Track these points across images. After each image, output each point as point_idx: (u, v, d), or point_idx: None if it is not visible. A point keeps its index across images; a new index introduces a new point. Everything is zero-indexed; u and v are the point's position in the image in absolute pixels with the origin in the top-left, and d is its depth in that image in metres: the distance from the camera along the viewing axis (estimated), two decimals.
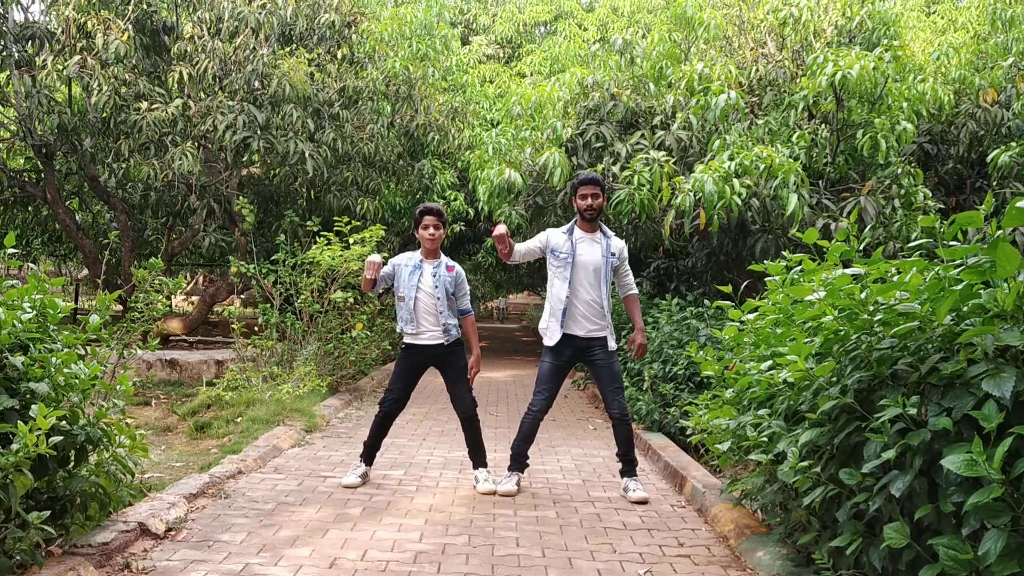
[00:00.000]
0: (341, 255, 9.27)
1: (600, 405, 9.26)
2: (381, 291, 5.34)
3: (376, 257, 5.14)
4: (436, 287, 5.20)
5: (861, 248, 3.53)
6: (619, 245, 5.29)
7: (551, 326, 5.21)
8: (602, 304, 5.15)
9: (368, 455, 5.40)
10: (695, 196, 7.35)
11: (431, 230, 5.20)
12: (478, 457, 5.40)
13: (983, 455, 2.35)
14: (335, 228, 9.44)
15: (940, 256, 2.94)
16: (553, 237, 5.23)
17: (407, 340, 5.29)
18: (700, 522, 4.70)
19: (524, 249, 5.29)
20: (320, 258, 9.15)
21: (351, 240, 9.44)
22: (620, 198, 8.07)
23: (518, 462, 5.33)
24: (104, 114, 10.13)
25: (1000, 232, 2.63)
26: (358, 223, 9.94)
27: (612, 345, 5.20)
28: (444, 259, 5.33)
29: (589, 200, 5.14)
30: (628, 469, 5.29)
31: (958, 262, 2.89)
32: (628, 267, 5.37)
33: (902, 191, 7.94)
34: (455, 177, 14.88)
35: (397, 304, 5.29)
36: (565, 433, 7.59)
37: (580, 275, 5.13)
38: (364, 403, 9.07)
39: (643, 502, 5.08)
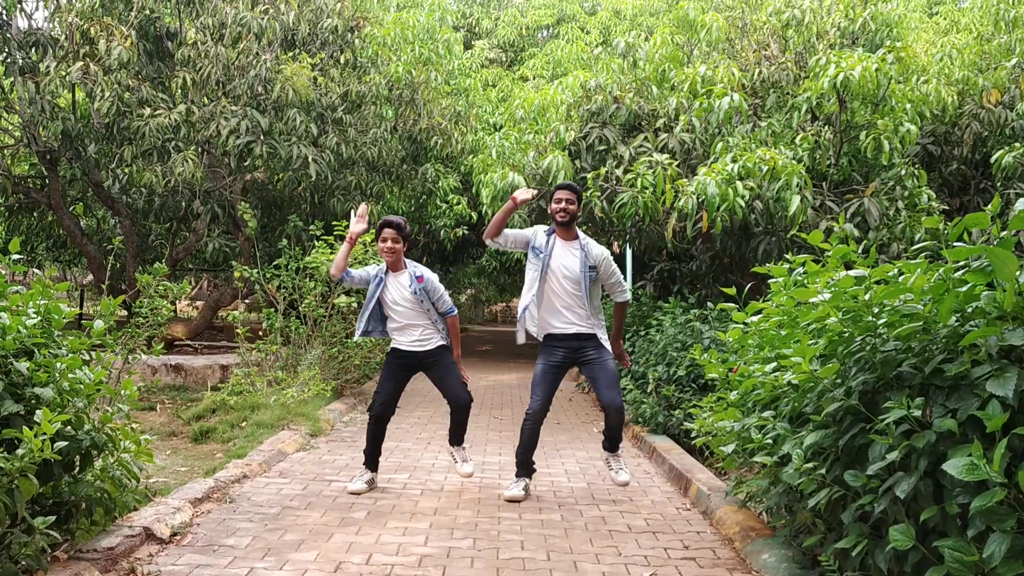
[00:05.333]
0: None
1: None
2: (346, 283, 5.38)
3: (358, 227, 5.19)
4: (416, 295, 5.22)
5: (861, 249, 3.52)
6: (598, 254, 5.19)
7: (520, 320, 5.24)
8: (580, 309, 5.12)
9: (371, 462, 5.39)
10: (698, 199, 7.35)
11: (388, 243, 5.20)
12: (457, 437, 5.46)
13: (983, 458, 2.35)
14: (335, 232, 9.44)
15: (945, 257, 2.93)
16: (539, 233, 5.23)
17: (393, 344, 5.35)
18: (705, 524, 4.70)
19: (512, 233, 5.25)
20: (317, 261, 9.16)
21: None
22: (623, 201, 8.07)
23: (525, 468, 5.30)
24: (107, 120, 10.15)
25: (1005, 234, 2.63)
26: None
27: (607, 347, 5.20)
28: (411, 269, 5.30)
29: (563, 204, 5.11)
30: (611, 447, 5.31)
31: (962, 263, 2.89)
32: (615, 272, 5.25)
33: (906, 192, 7.93)
34: (458, 181, 14.89)
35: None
36: (569, 436, 7.59)
37: (551, 280, 5.12)
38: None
39: (625, 484, 5.27)
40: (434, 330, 5.29)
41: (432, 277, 5.34)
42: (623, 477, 5.28)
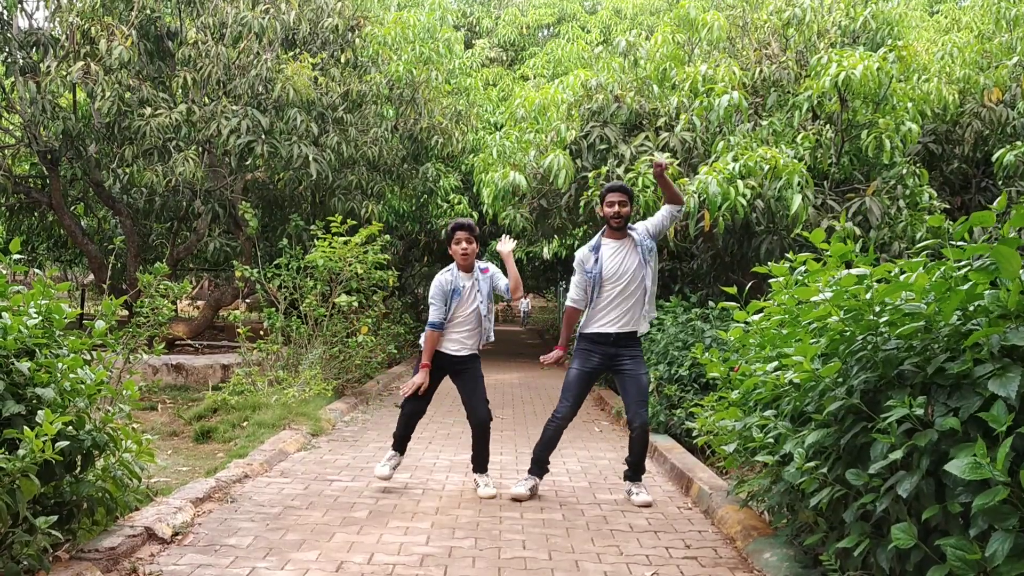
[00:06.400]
0: (344, 258, 9.26)
1: (606, 407, 9.25)
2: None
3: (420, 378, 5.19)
4: (480, 298, 5.23)
5: (859, 248, 3.52)
6: (644, 226, 5.15)
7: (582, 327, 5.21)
8: (639, 304, 5.07)
9: (399, 444, 5.38)
10: (699, 197, 7.34)
11: (463, 245, 5.17)
12: (481, 464, 5.39)
13: (987, 457, 2.35)
14: (331, 228, 9.42)
15: (946, 256, 2.93)
16: (583, 259, 5.14)
17: None
18: (707, 524, 4.69)
19: (578, 294, 5.17)
20: (314, 259, 9.14)
21: (344, 240, 9.39)
22: None
23: (538, 467, 5.27)
24: (108, 120, 10.15)
25: (1007, 230, 2.63)
26: (354, 222, 9.94)
27: (643, 329, 5.13)
28: (476, 264, 5.30)
29: (616, 207, 5.03)
30: (634, 476, 5.23)
31: (964, 262, 2.89)
32: (657, 217, 5.18)
33: (907, 191, 7.93)
34: (459, 180, 14.88)
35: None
36: (571, 435, 7.58)
37: (608, 287, 5.04)
38: (370, 407, 9.07)
39: (647, 506, 5.06)
40: (477, 335, 5.31)
41: (493, 266, 5.35)
42: (643, 498, 5.09)
